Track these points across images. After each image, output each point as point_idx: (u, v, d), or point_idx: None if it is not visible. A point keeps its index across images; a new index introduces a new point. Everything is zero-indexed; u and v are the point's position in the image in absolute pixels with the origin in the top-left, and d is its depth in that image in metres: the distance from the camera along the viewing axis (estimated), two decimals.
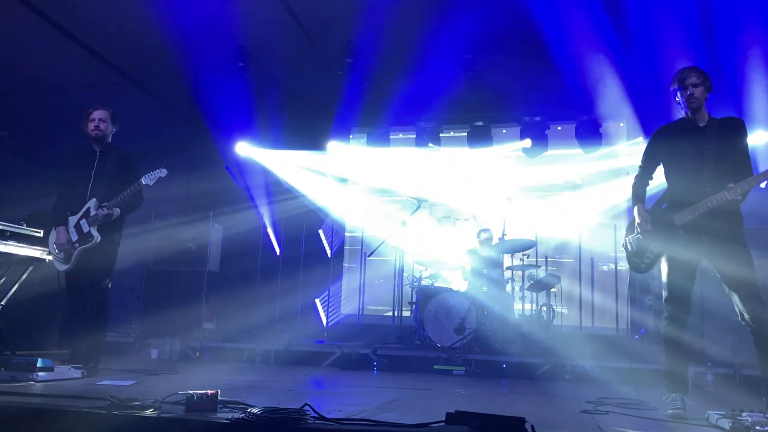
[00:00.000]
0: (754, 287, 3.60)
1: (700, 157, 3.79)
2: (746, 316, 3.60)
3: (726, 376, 5.50)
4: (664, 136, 4.04)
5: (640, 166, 4.16)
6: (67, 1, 6.97)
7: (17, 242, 5.17)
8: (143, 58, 8.06)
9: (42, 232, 5.33)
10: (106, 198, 4.86)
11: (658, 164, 4.08)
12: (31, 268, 5.41)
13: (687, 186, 3.81)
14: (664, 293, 3.90)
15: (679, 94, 3.88)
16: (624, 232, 4.23)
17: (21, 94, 8.20)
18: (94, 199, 4.85)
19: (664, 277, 3.91)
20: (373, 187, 9.99)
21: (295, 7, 7.58)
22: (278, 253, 9.65)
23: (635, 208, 4.05)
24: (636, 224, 4.00)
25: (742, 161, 3.77)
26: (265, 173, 9.82)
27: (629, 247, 4.10)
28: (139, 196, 5.02)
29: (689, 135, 3.87)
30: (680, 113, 3.99)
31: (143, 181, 4.85)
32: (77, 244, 4.83)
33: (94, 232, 4.81)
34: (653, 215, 3.96)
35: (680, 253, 3.80)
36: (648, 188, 4.16)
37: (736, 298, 3.65)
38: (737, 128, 3.84)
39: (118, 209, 4.89)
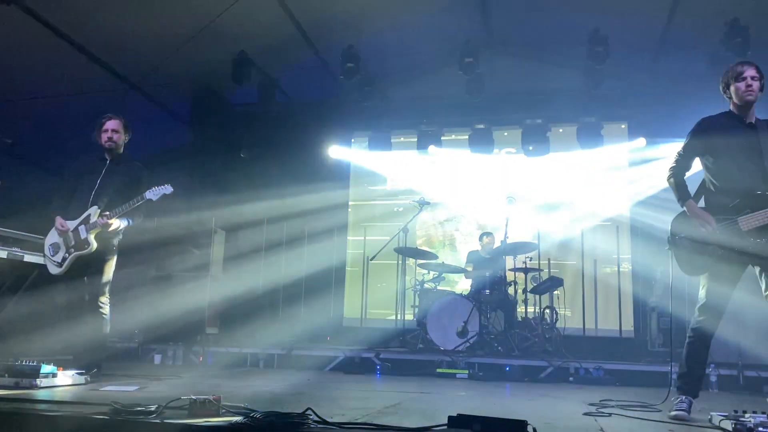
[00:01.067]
0: None
1: (758, 157, 3.61)
2: None
3: (729, 377, 5.49)
4: (712, 127, 3.80)
5: (677, 158, 3.90)
6: (69, 8, 6.99)
7: (20, 248, 5.19)
8: (145, 65, 8.09)
9: (46, 236, 5.35)
10: (108, 207, 4.86)
11: (698, 157, 3.85)
12: (34, 274, 5.43)
13: (744, 187, 3.61)
14: (702, 298, 3.71)
15: (733, 86, 3.71)
16: (672, 229, 3.89)
17: (24, 101, 8.22)
18: (95, 207, 4.85)
19: (705, 282, 3.71)
20: (376, 190, 9.99)
21: (296, 12, 7.61)
22: (280, 257, 9.64)
23: (687, 204, 3.77)
24: (698, 223, 3.70)
25: None
26: (268, 177, 9.82)
27: (683, 247, 3.78)
28: (140, 210, 4.97)
29: (741, 130, 3.69)
30: (721, 110, 3.82)
31: (147, 195, 4.80)
32: (73, 250, 4.83)
33: (91, 239, 4.80)
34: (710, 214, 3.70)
35: (738, 259, 3.60)
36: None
37: None
38: None
39: (119, 223, 4.87)
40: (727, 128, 3.74)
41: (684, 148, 3.91)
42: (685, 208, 3.79)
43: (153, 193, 4.83)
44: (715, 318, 3.70)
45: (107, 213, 4.81)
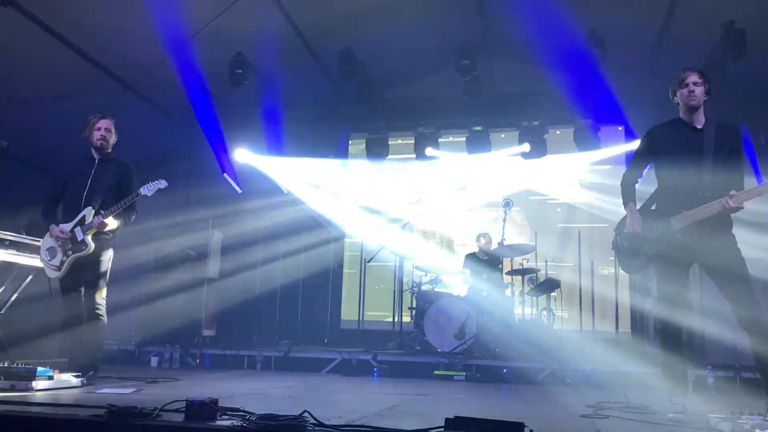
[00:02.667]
0: (749, 290, 3.61)
1: (698, 160, 3.75)
2: (742, 318, 3.60)
3: (726, 378, 5.49)
4: (659, 135, 3.99)
5: (630, 164, 4.13)
6: (66, 9, 6.98)
7: (17, 251, 5.17)
8: (142, 66, 8.07)
9: (41, 241, 5.34)
10: (102, 207, 4.85)
11: (649, 163, 4.04)
12: (30, 276, 5.42)
13: (684, 188, 3.77)
14: (657, 297, 3.90)
15: (678, 93, 3.85)
16: (614, 231, 4.19)
17: (20, 102, 8.20)
18: (90, 207, 4.84)
19: (656, 281, 3.92)
20: (373, 192, 9.98)
21: (293, 15, 7.60)
22: (277, 260, 9.64)
23: (628, 207, 4.01)
24: (628, 224, 3.97)
25: (737, 167, 3.75)
26: (264, 180, 9.82)
27: (621, 246, 4.07)
28: (133, 208, 5.00)
29: (686, 136, 3.83)
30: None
31: (141, 191, 4.80)
32: (70, 252, 4.82)
33: (88, 240, 4.79)
34: (646, 216, 3.93)
35: (675, 257, 3.79)
36: (641, 190, 4.13)
37: (731, 301, 3.65)
38: (735, 133, 3.81)
39: (114, 221, 4.87)
40: (674, 134, 3.90)
41: (634, 155, 4.14)
42: (626, 210, 4.02)
43: (147, 189, 4.82)
44: (672, 317, 3.79)
45: (102, 212, 4.80)
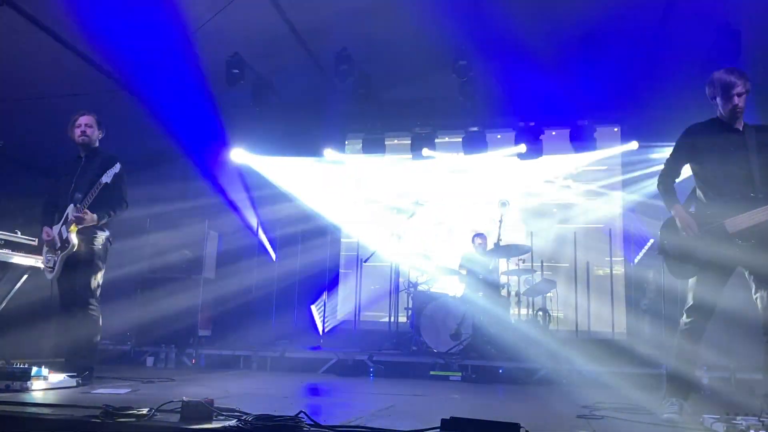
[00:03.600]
0: None
1: (746, 163, 3.63)
2: None
3: (721, 379, 5.51)
4: (701, 134, 3.82)
5: (667, 163, 3.95)
6: (61, 8, 6.96)
7: (12, 250, 5.15)
8: (138, 66, 8.05)
9: (36, 240, 5.32)
10: (84, 202, 4.85)
11: (687, 163, 3.89)
12: (25, 276, 5.40)
13: (733, 190, 3.64)
14: (690, 300, 3.73)
15: (720, 101, 3.72)
16: (660, 233, 3.96)
17: (14, 101, 8.18)
18: (72, 205, 4.83)
19: (692, 284, 3.74)
20: (369, 192, 9.99)
21: (289, 14, 7.59)
22: (274, 260, 9.64)
23: (674, 209, 3.79)
24: (681, 228, 3.73)
25: None
26: (261, 179, 9.82)
27: (671, 250, 3.83)
28: (120, 201, 4.97)
29: (730, 138, 3.71)
30: (712, 115, 3.84)
31: (102, 179, 4.75)
32: (59, 251, 4.81)
33: (72, 237, 4.77)
34: (696, 219, 3.71)
35: (726, 262, 3.62)
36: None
37: (762, 305, 3.57)
38: None
39: (93, 215, 4.84)
40: (715, 135, 3.77)
41: (672, 154, 3.95)
42: (672, 213, 3.82)
43: (107, 176, 4.78)
44: (703, 321, 3.72)
45: (78, 206, 4.79)
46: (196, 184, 9.72)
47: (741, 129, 3.74)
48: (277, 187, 9.79)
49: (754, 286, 3.65)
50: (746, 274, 3.69)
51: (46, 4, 6.85)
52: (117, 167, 4.84)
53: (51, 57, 7.62)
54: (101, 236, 4.99)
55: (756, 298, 3.63)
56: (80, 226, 4.79)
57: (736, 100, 3.65)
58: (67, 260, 4.81)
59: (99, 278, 4.96)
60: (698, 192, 3.85)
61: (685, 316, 3.78)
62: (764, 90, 7.70)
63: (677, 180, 3.93)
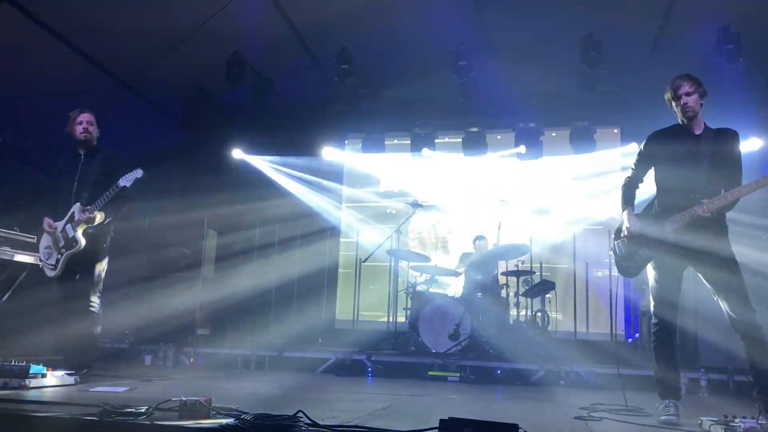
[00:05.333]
0: (742, 293, 3.63)
1: (695, 165, 3.79)
2: (735, 321, 3.62)
3: (719, 382, 5.52)
4: (658, 140, 4.01)
5: (631, 169, 4.16)
6: (62, 6, 6.96)
7: (10, 248, 5.16)
8: (138, 63, 8.05)
9: (35, 237, 5.32)
10: (90, 201, 4.84)
11: (650, 168, 4.07)
12: (24, 273, 5.40)
13: (680, 192, 3.81)
14: (652, 300, 3.93)
15: (673, 104, 3.89)
16: (613, 235, 4.21)
17: (14, 99, 8.18)
18: (78, 204, 4.83)
19: (651, 283, 3.93)
20: (369, 192, 9.99)
21: (290, 13, 7.60)
22: (272, 258, 9.63)
23: (624, 212, 4.03)
24: (624, 228, 3.99)
25: (734, 172, 3.77)
26: (261, 179, 9.82)
27: (617, 250, 4.09)
28: (123, 198, 4.93)
29: (685, 142, 3.86)
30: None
31: (120, 182, 4.75)
32: (63, 250, 4.81)
33: (79, 236, 4.78)
34: (643, 219, 3.95)
35: (669, 259, 3.83)
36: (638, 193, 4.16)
37: (724, 305, 3.68)
38: (732, 139, 3.84)
39: (102, 213, 4.85)
40: (676, 140, 3.92)
41: (636, 160, 4.14)
42: (622, 215, 4.03)
43: (126, 180, 4.77)
44: (670, 318, 3.85)
45: (89, 207, 4.78)
46: (195, 181, 9.71)
47: (699, 133, 3.87)
48: (276, 186, 9.79)
49: (710, 288, 3.78)
50: (702, 279, 3.82)
51: (48, 2, 6.85)
52: (139, 173, 4.79)
53: (51, 55, 7.61)
54: (106, 234, 4.99)
55: (716, 300, 3.75)
56: (90, 226, 4.79)
57: (684, 99, 3.81)
58: (70, 257, 4.81)
59: (102, 275, 4.97)
60: (656, 195, 4.03)
61: (653, 317, 3.93)
62: (765, 93, 7.75)
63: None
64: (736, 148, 3.84)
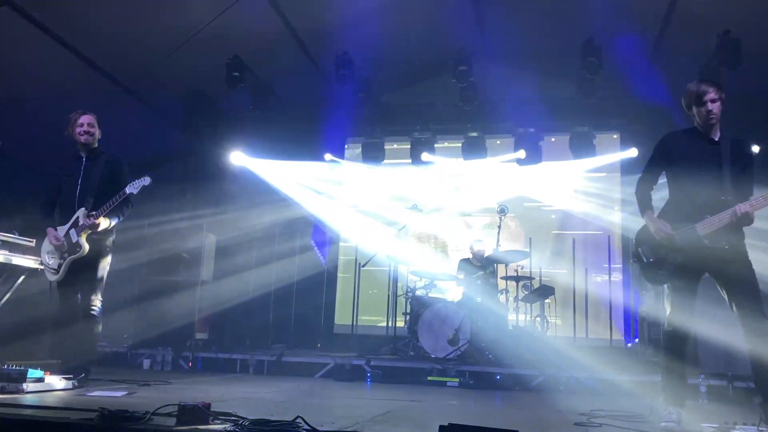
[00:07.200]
0: (760, 300, 3.57)
1: (718, 170, 3.72)
2: (750, 329, 3.55)
3: (719, 388, 5.50)
4: (676, 143, 3.91)
5: (644, 172, 4.04)
6: (62, 9, 6.96)
7: (9, 251, 5.14)
8: (138, 67, 8.06)
9: (34, 241, 5.31)
10: (95, 207, 4.82)
11: (664, 170, 3.96)
12: (22, 277, 5.38)
13: (705, 197, 3.70)
14: (669, 307, 3.80)
15: (695, 109, 3.79)
16: (634, 242, 4.04)
17: (13, 101, 8.17)
18: (83, 209, 4.81)
19: (668, 291, 3.81)
20: (368, 196, 9.99)
21: (290, 18, 7.61)
22: (271, 263, 9.62)
23: (646, 215, 3.88)
24: (654, 231, 3.79)
25: (749, 181, 3.73)
26: (260, 183, 9.81)
27: (645, 258, 3.91)
28: (127, 202, 4.93)
29: (704, 147, 3.80)
30: (690, 124, 3.93)
31: (127, 189, 4.74)
32: (66, 255, 4.79)
33: (83, 242, 4.76)
34: (669, 224, 3.78)
35: (696, 265, 3.72)
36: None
37: (739, 312, 3.61)
38: (748, 149, 3.82)
39: (107, 219, 4.84)
40: (691, 143, 3.86)
41: (649, 162, 4.05)
42: (645, 219, 3.91)
43: (133, 187, 4.76)
44: (683, 327, 3.77)
45: (93, 213, 4.77)
46: (195, 185, 9.71)
47: (717, 140, 3.81)
48: (276, 190, 9.78)
49: (726, 296, 3.70)
50: (718, 286, 3.75)
51: (46, 4, 6.85)
52: (147, 180, 4.78)
53: (51, 58, 7.61)
54: (109, 239, 4.98)
55: (732, 307, 3.67)
56: (92, 230, 4.78)
57: (710, 105, 3.73)
58: (72, 262, 4.79)
59: (104, 278, 4.95)
60: (671, 200, 3.92)
61: (666, 324, 3.84)
62: (763, 98, 7.76)
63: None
64: (751, 159, 3.80)
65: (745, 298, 3.60)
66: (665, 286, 3.88)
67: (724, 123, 3.87)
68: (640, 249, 3.96)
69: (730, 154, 3.74)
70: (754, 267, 3.66)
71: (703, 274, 3.79)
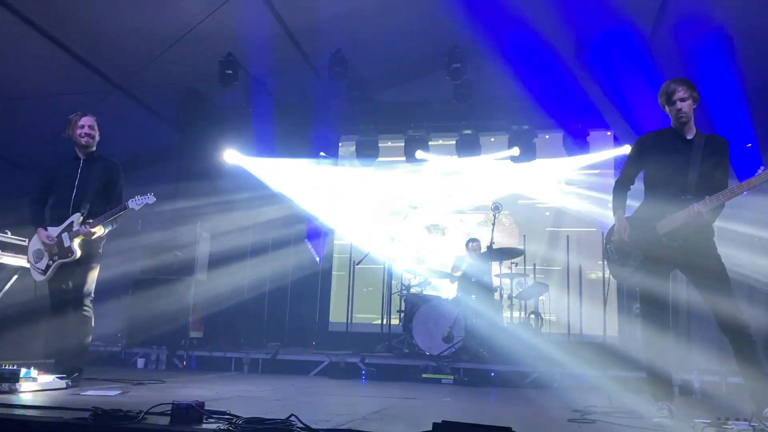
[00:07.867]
0: (731, 296, 3.64)
1: (685, 169, 3.80)
2: (725, 324, 3.62)
3: (713, 383, 5.52)
4: (650, 144, 4.02)
5: (621, 171, 4.16)
6: (55, 7, 6.93)
7: (2, 251, 5.12)
8: (131, 65, 8.03)
9: (27, 240, 5.28)
10: (91, 212, 4.79)
11: (640, 170, 4.07)
12: (15, 276, 5.36)
13: (669, 195, 3.81)
14: (642, 302, 3.93)
15: (667, 108, 3.88)
16: (605, 239, 4.22)
17: (5, 100, 8.13)
18: (78, 214, 4.76)
19: (640, 287, 3.93)
20: (363, 194, 9.98)
21: (283, 15, 7.59)
22: (265, 262, 9.61)
23: (616, 215, 4.04)
24: (615, 231, 4.00)
25: (721, 179, 3.78)
26: (254, 181, 9.78)
27: (611, 255, 4.09)
28: (123, 211, 4.90)
29: (676, 146, 3.87)
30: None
31: (130, 204, 4.73)
32: (57, 257, 4.75)
33: (75, 247, 4.71)
34: (634, 223, 3.95)
35: (660, 263, 3.83)
36: (630, 195, 4.16)
37: (712, 307, 3.68)
38: (722, 146, 3.86)
39: (102, 228, 4.81)
40: (667, 144, 3.93)
41: (626, 162, 4.16)
42: (615, 218, 4.04)
43: (135, 203, 4.75)
44: (660, 319, 3.83)
45: (90, 221, 4.74)
46: (188, 184, 9.68)
47: (691, 138, 3.87)
48: (270, 188, 9.76)
49: (697, 291, 3.79)
50: (690, 280, 3.86)
51: (40, 3, 6.81)
52: (151, 199, 4.78)
53: (44, 57, 7.58)
54: (100, 240, 4.95)
55: (705, 302, 3.75)
56: (86, 238, 4.75)
57: (679, 104, 3.80)
58: (62, 265, 4.76)
59: (95, 279, 4.92)
60: (645, 198, 4.02)
61: (641, 320, 3.93)
62: (763, 95, 7.78)
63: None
64: (725, 156, 3.85)
65: (714, 292, 3.67)
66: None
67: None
68: (607, 246, 4.13)
69: (702, 151, 3.80)
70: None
71: (672, 271, 3.92)
